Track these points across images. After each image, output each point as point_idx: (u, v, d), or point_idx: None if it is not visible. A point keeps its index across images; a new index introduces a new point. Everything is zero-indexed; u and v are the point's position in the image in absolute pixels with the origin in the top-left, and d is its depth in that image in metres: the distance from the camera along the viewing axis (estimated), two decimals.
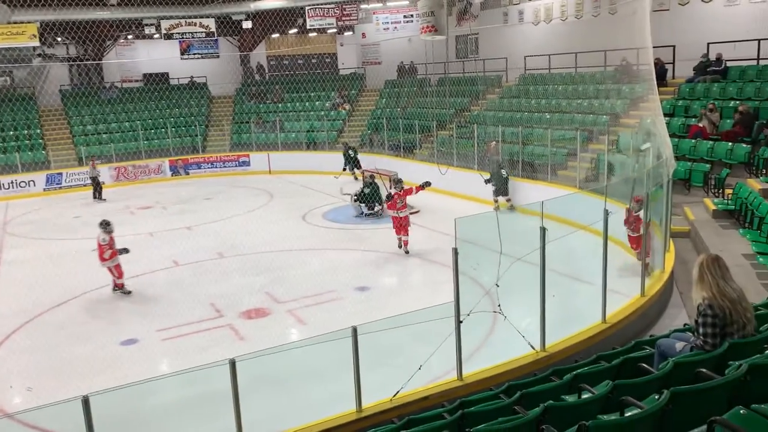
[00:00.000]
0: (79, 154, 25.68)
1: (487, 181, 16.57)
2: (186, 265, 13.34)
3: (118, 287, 11.78)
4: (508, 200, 16.92)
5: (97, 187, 22.50)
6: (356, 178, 23.24)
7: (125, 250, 11.89)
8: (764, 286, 8.54)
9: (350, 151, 23.58)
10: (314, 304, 10.70)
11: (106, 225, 11.88)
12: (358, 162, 23.01)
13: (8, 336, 10.14)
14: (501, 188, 16.84)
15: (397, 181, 14.11)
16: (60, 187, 24.35)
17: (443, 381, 7.13)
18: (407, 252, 13.41)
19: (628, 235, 10.90)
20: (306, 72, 32.32)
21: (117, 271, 11.76)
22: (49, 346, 9.49)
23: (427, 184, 13.77)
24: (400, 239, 13.60)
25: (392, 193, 13.71)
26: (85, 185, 24.56)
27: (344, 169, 23.13)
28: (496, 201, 16.90)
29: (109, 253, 11.63)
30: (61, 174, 24.57)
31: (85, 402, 5.12)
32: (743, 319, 4.54)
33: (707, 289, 4.57)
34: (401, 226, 13.49)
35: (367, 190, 17.46)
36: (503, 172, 16.91)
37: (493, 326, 9.05)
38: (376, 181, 17.58)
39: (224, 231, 15.94)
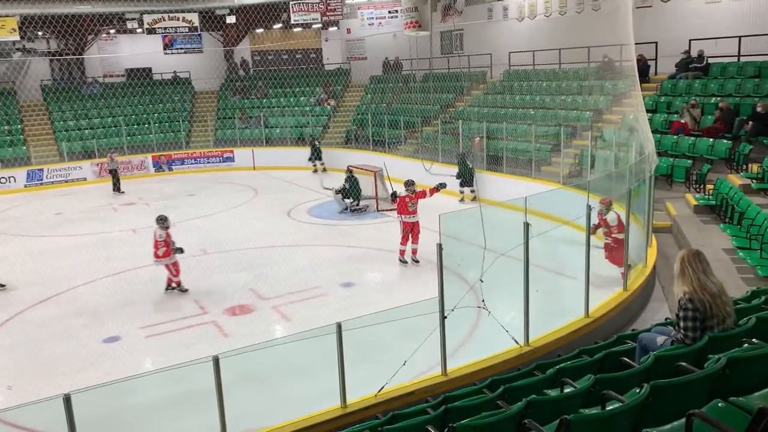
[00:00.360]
0: (60, 150, 25.40)
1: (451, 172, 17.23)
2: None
3: (175, 285, 11.31)
4: (472, 191, 17.39)
5: (116, 180, 22.41)
6: (315, 171, 23.85)
7: (180, 250, 11.35)
8: (744, 280, 8.66)
9: (316, 143, 24.34)
10: (299, 300, 10.68)
11: (163, 220, 11.33)
12: (320, 154, 24.06)
13: None
14: (466, 180, 17.42)
15: (409, 184, 12.75)
16: (41, 183, 24.07)
17: (428, 376, 7.15)
18: (417, 261, 12.44)
19: (605, 243, 10.45)
20: (290, 67, 32.19)
21: (174, 269, 11.30)
22: (30, 344, 9.39)
23: (442, 186, 12.73)
24: (404, 251, 12.53)
25: (397, 193, 12.81)
26: (66, 181, 24.36)
27: (312, 162, 24.10)
28: (462, 192, 17.48)
29: (164, 250, 11.15)
30: (42, 170, 24.29)
31: (67, 400, 5.07)
32: (723, 313, 4.60)
33: (688, 283, 4.62)
34: (413, 233, 12.46)
35: (347, 185, 17.48)
36: (468, 163, 17.51)
37: (478, 321, 9.09)
38: (355, 175, 17.60)
39: (208, 227, 15.85)
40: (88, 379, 7.43)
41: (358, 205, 17.44)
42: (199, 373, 6.20)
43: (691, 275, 4.60)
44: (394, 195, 12.92)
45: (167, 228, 11.35)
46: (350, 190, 17.48)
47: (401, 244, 12.57)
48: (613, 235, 10.07)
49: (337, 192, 17.55)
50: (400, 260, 12.53)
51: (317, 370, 7.79)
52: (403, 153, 21.87)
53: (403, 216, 12.52)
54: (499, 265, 8.50)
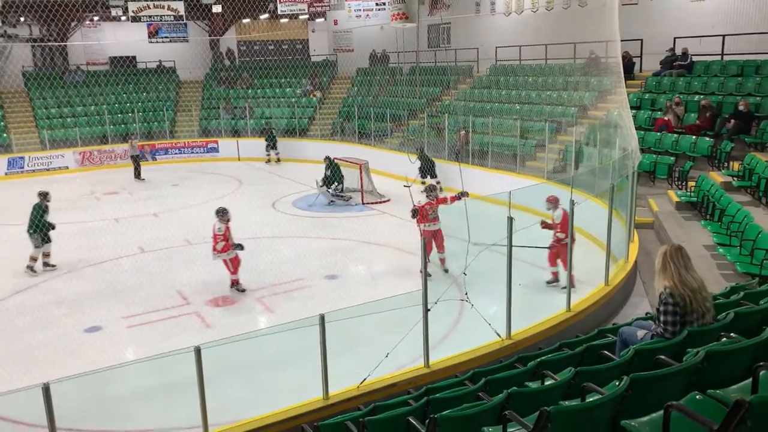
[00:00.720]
0: (42, 138, 25.09)
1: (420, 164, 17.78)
2: (152, 251, 13.16)
3: (233, 282, 10.76)
4: (438, 183, 17.54)
5: (137, 166, 22.28)
6: (269, 161, 24.48)
7: (240, 247, 10.72)
8: (723, 276, 8.77)
9: (272, 131, 24.73)
10: (283, 292, 10.66)
11: (222, 213, 10.68)
12: (276, 143, 24.56)
13: None
14: (427, 170, 17.93)
15: (431, 189, 11.83)
16: (22, 171, 23.76)
17: (410, 368, 7.18)
18: (446, 270, 11.26)
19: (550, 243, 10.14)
20: (277, 58, 32.00)
21: (232, 265, 10.71)
22: (10, 332, 9.28)
23: (464, 194, 11.55)
24: (428, 261, 10.91)
25: (416, 207, 11.38)
26: (48, 170, 24.06)
27: (267, 152, 24.56)
28: (424, 182, 17.61)
29: (223, 245, 10.57)
30: (23, 158, 23.98)
31: (46, 390, 5.03)
32: (702, 308, 4.65)
33: (669, 278, 4.67)
34: (437, 241, 11.39)
35: (328, 172, 17.51)
36: (428, 155, 18.17)
37: (461, 314, 9.14)
38: (335, 161, 17.76)
39: (192, 218, 15.74)
40: (68, 369, 7.36)
41: (342, 191, 17.45)
42: (181, 364, 6.17)
43: (672, 270, 4.65)
44: (414, 212, 11.35)
45: (227, 221, 10.69)
46: (332, 176, 17.46)
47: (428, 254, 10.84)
48: (556, 234, 9.93)
49: (321, 184, 17.53)
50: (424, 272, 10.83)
51: (300, 361, 7.80)
52: (389, 146, 21.86)
53: (423, 225, 11.27)
54: (482, 258, 8.56)
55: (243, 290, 10.69)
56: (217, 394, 6.04)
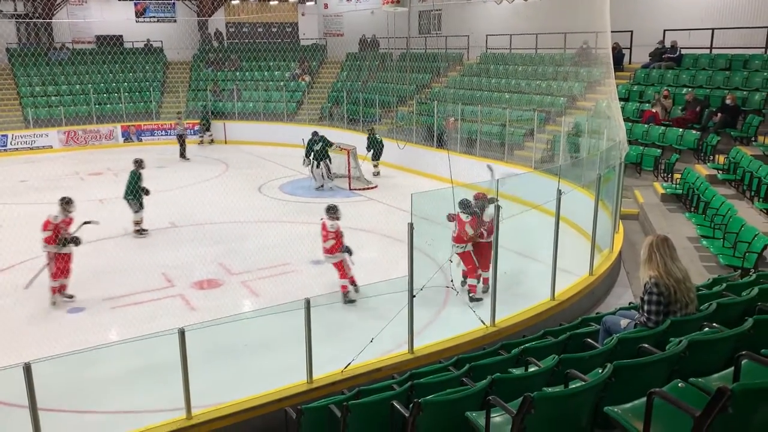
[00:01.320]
0: (26, 116, 24.73)
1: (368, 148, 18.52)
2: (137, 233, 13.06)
3: (350, 282, 9.64)
4: (376, 166, 18.70)
5: (182, 145, 22.36)
6: (201, 143, 24.82)
7: (348, 251, 9.58)
8: (706, 268, 8.87)
9: (208, 114, 24.96)
10: (268, 276, 10.63)
11: (333, 210, 9.69)
12: (209, 125, 25.05)
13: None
14: (376, 153, 18.81)
15: (491, 201, 9.35)
16: (5, 150, 23.44)
17: (394, 354, 7.20)
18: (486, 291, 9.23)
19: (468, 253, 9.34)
20: (266, 41, 31.70)
21: (341, 269, 9.54)
22: None
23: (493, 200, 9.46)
24: (465, 280, 9.62)
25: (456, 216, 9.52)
26: (31, 148, 23.75)
27: (202, 135, 24.74)
28: (376, 166, 18.37)
29: (332, 243, 9.48)
30: (6, 136, 23.64)
31: (27, 369, 4.99)
32: (686, 298, 4.70)
33: (654, 268, 4.70)
34: (483, 259, 9.39)
35: (317, 147, 17.43)
36: (377, 137, 18.86)
37: (445, 301, 9.18)
38: (324, 137, 17.89)
39: (177, 200, 15.62)
40: (51, 350, 7.30)
41: (331, 177, 17.44)
42: (164, 346, 6.15)
43: (658, 260, 4.68)
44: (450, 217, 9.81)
45: (338, 218, 9.71)
46: (321, 151, 17.46)
47: (469, 276, 9.47)
48: (483, 239, 9.21)
49: (308, 163, 17.47)
50: (473, 298, 9.16)
51: (284, 345, 7.79)
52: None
53: (466, 245, 9.34)
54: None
55: (352, 301, 9.44)
56: (200, 376, 6.01)
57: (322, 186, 17.36)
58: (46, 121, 24.76)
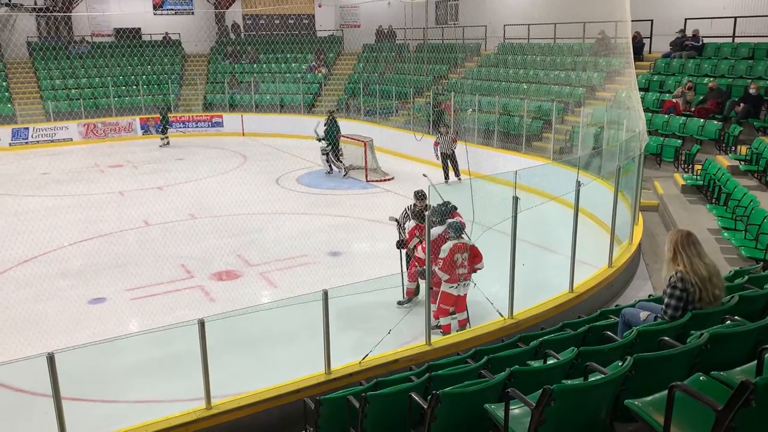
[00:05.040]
0: (46, 109, 25.03)
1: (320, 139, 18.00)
2: (157, 225, 13.20)
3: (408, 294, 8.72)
4: (327, 151, 18.51)
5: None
6: (162, 141, 23.63)
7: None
8: (727, 260, 8.76)
9: (168, 113, 24.05)
10: (286, 267, 10.68)
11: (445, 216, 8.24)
12: (167, 125, 23.74)
13: None
14: (331, 136, 18.44)
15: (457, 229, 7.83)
16: (26, 143, 23.75)
17: (412, 345, 7.21)
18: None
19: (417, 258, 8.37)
20: (282, 33, 31.72)
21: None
22: (15, 302, 9.35)
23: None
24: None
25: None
26: (52, 141, 24.03)
27: (163, 133, 23.66)
28: (324, 148, 18.43)
29: (415, 244, 8.47)
30: (27, 129, 23.94)
31: (51, 359, 5.07)
32: (710, 297, 4.61)
33: (681, 263, 4.61)
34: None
35: (326, 128, 17.84)
36: (336, 119, 18.76)
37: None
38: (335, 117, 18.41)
39: (196, 192, 15.74)
40: (72, 340, 7.42)
41: (337, 156, 17.85)
42: (184, 337, 6.22)
43: (684, 260, 4.59)
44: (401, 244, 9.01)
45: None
46: (329, 132, 17.86)
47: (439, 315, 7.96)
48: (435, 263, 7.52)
49: (320, 137, 17.85)
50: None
51: (302, 337, 7.83)
52: (394, 124, 21.75)
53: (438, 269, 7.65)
54: (486, 238, 8.54)
55: (437, 327, 7.81)
56: (219, 367, 6.07)
57: (330, 171, 18.01)
58: (66, 114, 25.03)
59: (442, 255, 7.46)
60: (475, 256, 7.72)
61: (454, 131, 16.86)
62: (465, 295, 7.81)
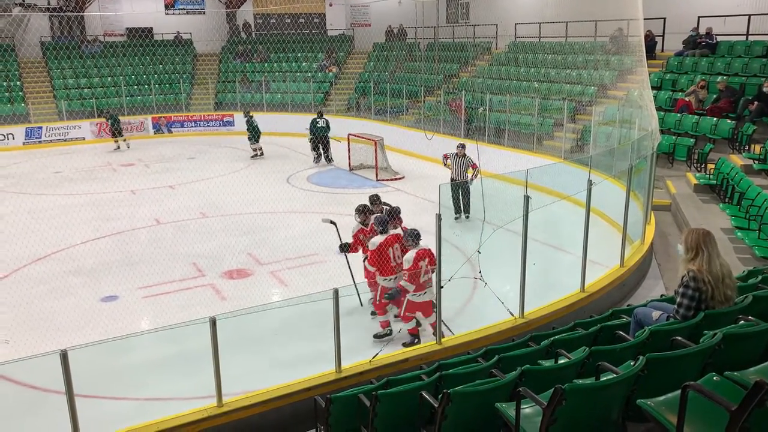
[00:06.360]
0: (59, 109, 25.22)
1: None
2: (168, 223, 13.27)
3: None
4: (258, 150, 20.58)
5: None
6: (119, 148, 23.03)
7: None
8: (741, 260, 8.69)
9: (118, 116, 23.52)
10: (297, 266, 10.71)
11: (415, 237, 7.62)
12: (119, 130, 23.21)
13: None
14: (253, 135, 20.57)
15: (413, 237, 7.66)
16: (40, 142, 23.95)
17: (422, 345, 7.21)
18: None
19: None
20: (293, 32, 31.77)
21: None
22: (28, 300, 9.43)
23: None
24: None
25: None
26: (65, 140, 24.19)
27: (116, 137, 23.14)
28: (255, 151, 20.47)
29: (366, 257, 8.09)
30: (41, 128, 24.14)
31: (64, 356, 5.11)
32: (723, 296, 4.58)
33: (699, 263, 4.57)
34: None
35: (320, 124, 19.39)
36: (254, 122, 20.78)
37: (473, 293, 9.14)
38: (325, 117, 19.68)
39: (207, 191, 15.82)
40: (85, 337, 7.46)
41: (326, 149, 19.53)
42: (196, 335, 6.24)
43: (704, 258, 4.55)
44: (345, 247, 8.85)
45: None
46: (325, 127, 19.51)
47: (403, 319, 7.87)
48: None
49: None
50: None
51: (313, 335, 7.85)
52: (404, 123, 21.73)
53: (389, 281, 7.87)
54: (496, 237, 8.52)
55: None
56: (230, 365, 6.10)
57: (317, 158, 19.51)
58: (79, 113, 25.20)
59: (406, 266, 7.36)
60: (431, 261, 7.52)
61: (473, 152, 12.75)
62: (430, 300, 7.65)
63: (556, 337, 5.05)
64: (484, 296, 8.16)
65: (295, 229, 12.70)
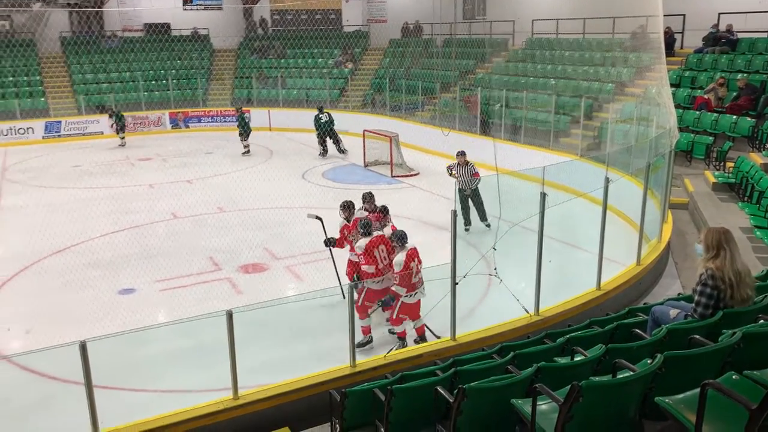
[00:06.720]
0: (78, 103, 25.47)
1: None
2: (185, 218, 13.37)
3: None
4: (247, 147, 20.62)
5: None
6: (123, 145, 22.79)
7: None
8: (760, 259, 8.60)
9: (121, 113, 23.24)
10: (312, 261, 10.72)
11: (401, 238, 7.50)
12: (123, 127, 22.98)
13: (7, 281, 10.21)
14: (244, 131, 20.77)
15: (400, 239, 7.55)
16: (59, 136, 24.20)
17: (436, 341, 7.22)
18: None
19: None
20: (309, 28, 31.80)
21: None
22: (48, 291, 9.55)
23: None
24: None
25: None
26: (83, 135, 24.43)
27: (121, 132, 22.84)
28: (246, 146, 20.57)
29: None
30: (60, 122, 24.40)
31: (83, 347, 5.18)
32: (742, 296, 4.54)
33: (720, 262, 4.53)
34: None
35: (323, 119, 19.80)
36: (246, 118, 21.17)
37: (487, 290, 9.12)
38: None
39: (224, 186, 15.91)
40: (103, 329, 7.54)
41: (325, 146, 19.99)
42: (212, 328, 6.30)
43: (726, 256, 4.51)
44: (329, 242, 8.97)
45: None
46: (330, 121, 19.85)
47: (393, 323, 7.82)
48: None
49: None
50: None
51: (327, 329, 7.89)
52: (420, 119, 21.70)
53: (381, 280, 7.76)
54: (512, 234, 8.50)
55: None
56: (246, 358, 6.14)
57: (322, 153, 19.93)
58: (97, 107, 25.45)
59: (398, 269, 7.26)
60: (419, 260, 7.47)
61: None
62: (419, 301, 7.58)
63: (572, 334, 5.04)
64: (499, 293, 8.14)
65: (311, 225, 12.67)
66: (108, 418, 5.61)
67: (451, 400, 4.01)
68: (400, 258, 7.29)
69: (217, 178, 17.07)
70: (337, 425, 5.33)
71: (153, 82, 27.49)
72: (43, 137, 23.92)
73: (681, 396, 3.13)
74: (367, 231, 7.75)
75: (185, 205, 14.01)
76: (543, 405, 3.62)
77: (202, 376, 7.06)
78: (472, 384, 3.88)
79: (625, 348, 4.24)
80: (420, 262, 7.44)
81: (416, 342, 7.49)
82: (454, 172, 12.19)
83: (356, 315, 6.58)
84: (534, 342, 5.56)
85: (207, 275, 10.19)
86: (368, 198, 9.23)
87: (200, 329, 7.55)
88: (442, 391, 4.22)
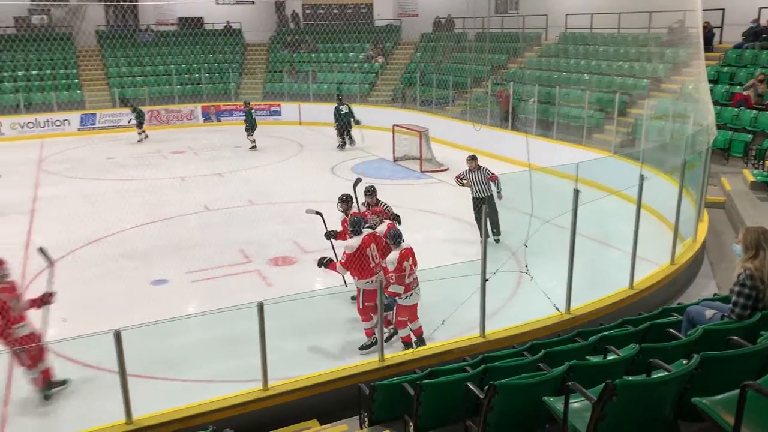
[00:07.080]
0: (113, 96, 25.92)
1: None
2: (217, 210, 13.52)
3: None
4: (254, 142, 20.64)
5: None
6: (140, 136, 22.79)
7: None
8: None
9: (140, 108, 23.18)
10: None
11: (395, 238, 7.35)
12: (141, 122, 22.86)
13: (44, 269, 10.43)
14: (250, 126, 21.02)
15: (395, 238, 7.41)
16: (94, 128, 24.66)
17: (465, 337, 7.19)
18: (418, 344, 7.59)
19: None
20: (340, 22, 31.85)
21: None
22: (84, 281, 9.73)
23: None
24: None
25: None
26: (117, 127, 24.85)
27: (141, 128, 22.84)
28: (253, 141, 20.62)
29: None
30: (95, 114, 24.86)
31: (117, 336, 5.28)
32: None
33: (759, 261, 4.44)
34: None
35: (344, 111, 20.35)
36: (252, 112, 21.37)
37: (517, 287, 9.06)
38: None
39: (255, 179, 16.05)
40: (135, 319, 7.66)
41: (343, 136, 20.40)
42: (242, 320, 6.37)
43: (766, 256, 4.42)
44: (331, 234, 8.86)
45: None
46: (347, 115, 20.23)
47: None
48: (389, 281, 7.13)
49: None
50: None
51: (356, 323, 7.91)
52: (450, 114, 21.59)
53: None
54: (543, 232, 8.42)
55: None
56: (275, 349, 6.19)
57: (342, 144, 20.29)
58: (131, 100, 25.86)
59: (391, 268, 7.05)
60: (414, 260, 7.31)
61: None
62: (416, 303, 7.44)
63: (605, 333, 4.98)
64: (529, 291, 8.07)
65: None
66: (140, 406, 5.71)
67: (481, 397, 3.99)
68: (392, 256, 7.13)
69: (248, 171, 17.23)
70: (366, 418, 5.36)
71: (186, 75, 27.83)
72: (78, 129, 24.41)
73: (719, 397, 3.07)
74: (356, 230, 7.54)
75: (217, 197, 14.18)
76: (575, 403, 3.58)
77: (232, 366, 7.14)
78: (503, 380, 3.86)
79: (659, 348, 4.18)
80: (415, 263, 7.27)
81: (415, 344, 7.37)
82: (464, 180, 11.26)
83: (382, 314, 6.58)
84: (565, 340, 5.51)
85: (237, 267, 10.29)
86: (370, 191, 9.14)
87: (231, 320, 7.65)
88: (473, 387, 4.20)
